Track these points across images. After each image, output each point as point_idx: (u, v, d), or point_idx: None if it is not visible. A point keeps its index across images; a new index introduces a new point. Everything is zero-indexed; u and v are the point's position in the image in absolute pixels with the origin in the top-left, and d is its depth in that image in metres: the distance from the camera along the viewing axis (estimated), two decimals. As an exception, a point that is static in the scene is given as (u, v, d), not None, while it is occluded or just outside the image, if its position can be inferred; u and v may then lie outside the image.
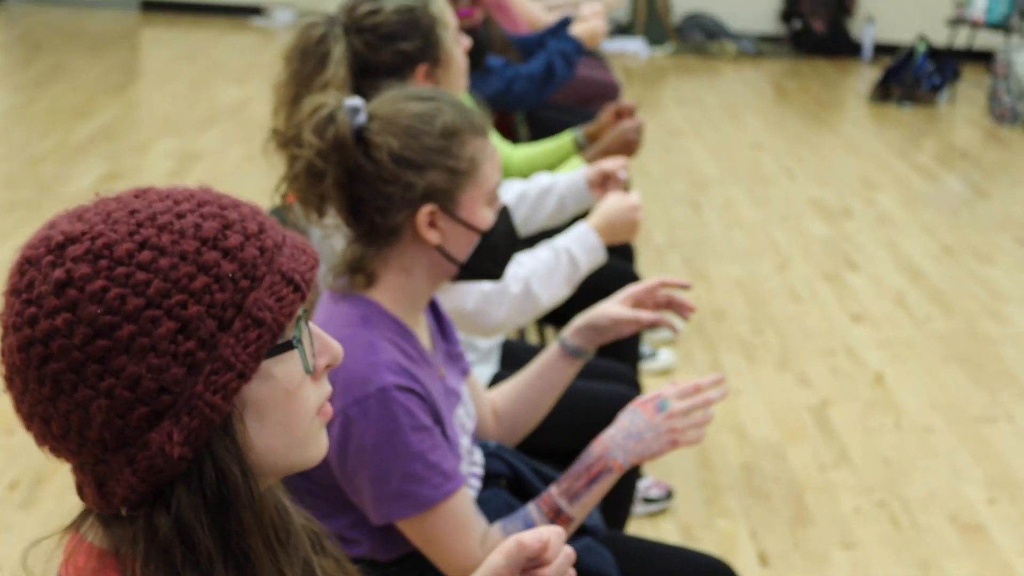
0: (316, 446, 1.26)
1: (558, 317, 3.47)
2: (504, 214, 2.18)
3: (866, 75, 10.16)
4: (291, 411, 1.21)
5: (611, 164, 3.14)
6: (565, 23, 4.66)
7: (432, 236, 2.09)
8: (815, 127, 8.46)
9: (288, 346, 1.20)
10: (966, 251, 6.09)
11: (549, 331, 4.11)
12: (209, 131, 7.35)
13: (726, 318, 5.14)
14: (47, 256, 1.15)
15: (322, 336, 1.26)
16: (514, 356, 3.11)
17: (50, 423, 1.15)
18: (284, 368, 1.20)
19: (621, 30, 10.66)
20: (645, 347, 4.47)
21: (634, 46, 10.44)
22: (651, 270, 5.34)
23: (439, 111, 2.08)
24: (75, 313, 1.12)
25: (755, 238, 6.13)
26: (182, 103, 8.03)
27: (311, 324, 1.26)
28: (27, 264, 1.16)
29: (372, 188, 2.06)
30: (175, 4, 10.95)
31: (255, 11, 10.86)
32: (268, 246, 1.20)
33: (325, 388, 1.26)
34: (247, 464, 1.19)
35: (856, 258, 5.90)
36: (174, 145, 7.05)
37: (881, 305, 5.35)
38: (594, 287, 3.12)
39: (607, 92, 5.70)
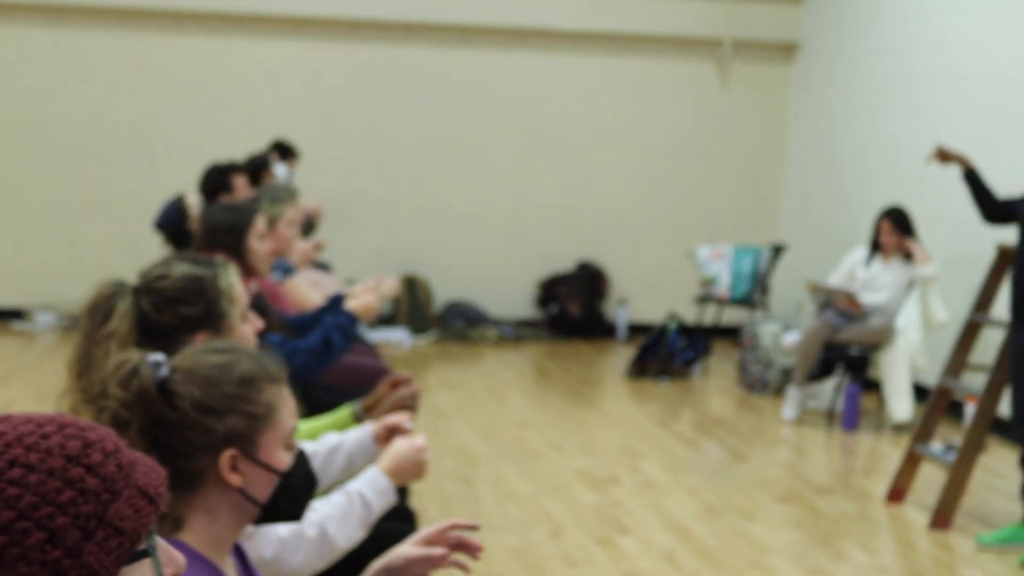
0: None
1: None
2: (301, 457, 2.30)
3: (622, 353, 10.63)
4: None
5: (396, 418, 3.29)
6: (339, 299, 4.85)
7: (234, 479, 2.19)
8: (578, 403, 8.78)
9: (144, 554, 1.30)
10: (729, 510, 6.36)
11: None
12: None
13: (505, 585, 5.22)
14: None
15: (167, 548, 1.36)
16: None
17: None
18: (139, 574, 1.30)
19: (385, 320, 10.94)
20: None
21: (398, 335, 10.71)
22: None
23: (237, 361, 2.23)
24: None
25: (527, 509, 6.27)
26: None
27: (155, 536, 1.35)
28: None
29: (176, 435, 2.17)
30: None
31: (17, 315, 10.77)
32: (125, 463, 1.31)
33: None
34: None
35: (626, 521, 6.09)
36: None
37: (653, 564, 5.52)
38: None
39: (378, 377, 5.86)
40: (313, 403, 5.08)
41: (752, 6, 11.47)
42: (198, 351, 2.27)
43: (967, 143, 8.56)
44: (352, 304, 4.66)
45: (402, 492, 4.28)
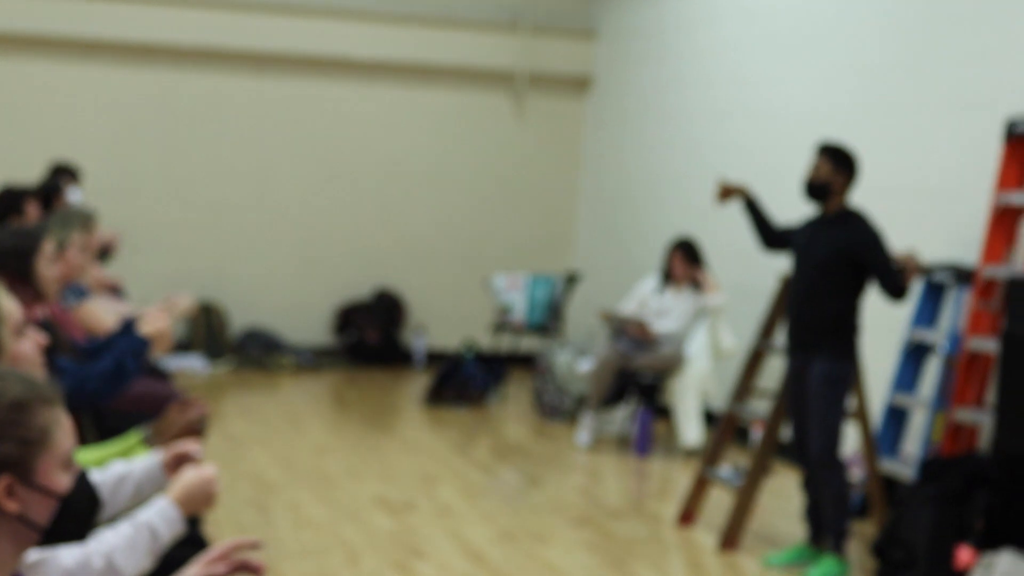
0: None
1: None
2: (82, 478, 2.26)
3: (420, 381, 10.66)
4: None
5: (185, 446, 3.26)
6: (131, 323, 4.76)
7: (11, 506, 2.14)
8: (375, 431, 8.77)
9: None
10: (524, 534, 6.43)
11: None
12: None
13: (301, 612, 5.19)
14: None
15: None
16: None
17: None
18: None
19: (180, 347, 10.76)
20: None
21: (193, 362, 10.54)
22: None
23: (6, 387, 2.18)
24: None
25: (324, 535, 6.24)
26: None
27: None
28: None
29: None
30: None
31: None
32: None
33: None
34: None
35: (423, 547, 6.11)
36: None
37: (450, 588, 5.55)
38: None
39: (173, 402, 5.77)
40: (106, 429, 4.97)
41: (546, 41, 11.66)
42: None
43: (752, 176, 8.86)
44: (145, 328, 4.58)
45: (195, 521, 4.22)
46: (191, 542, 3.68)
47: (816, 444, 5.88)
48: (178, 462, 3.26)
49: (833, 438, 5.88)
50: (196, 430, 3.61)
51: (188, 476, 2.98)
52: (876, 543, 5.89)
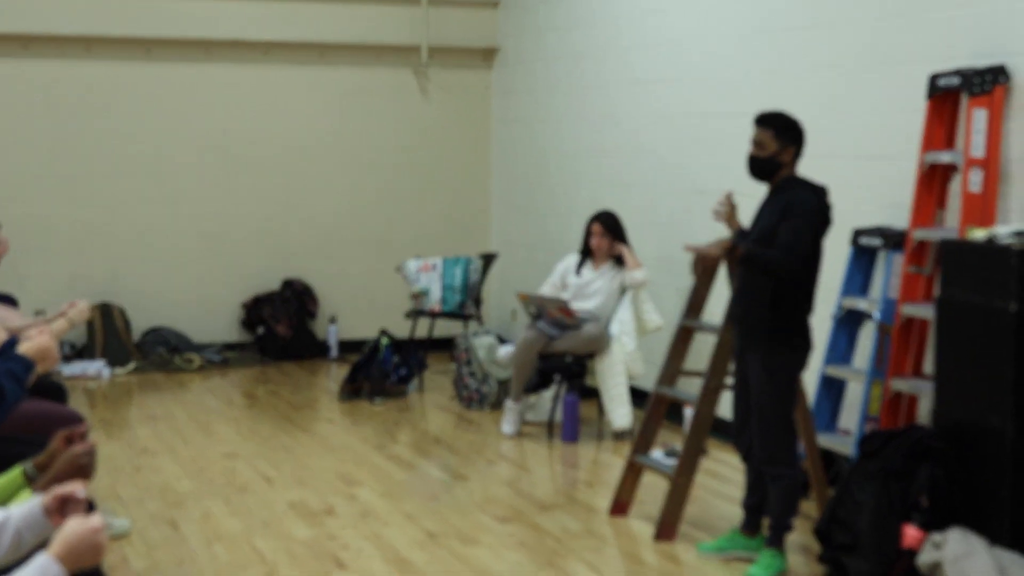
0: None
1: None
2: None
3: (335, 373, 10.29)
4: None
5: (68, 487, 2.89)
6: (11, 343, 4.35)
7: None
8: (289, 429, 8.37)
9: None
10: (450, 535, 6.10)
11: None
12: None
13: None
14: None
15: None
16: None
17: None
18: None
19: (80, 352, 10.29)
20: None
21: (95, 367, 10.07)
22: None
23: None
24: None
25: (238, 550, 5.86)
26: None
27: None
28: None
29: None
30: None
31: None
32: None
33: None
34: None
35: (343, 556, 5.76)
36: None
37: (374, 602, 5.21)
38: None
39: (67, 423, 5.37)
40: (6, 455, 4.57)
41: (448, 11, 11.30)
42: None
43: (672, 144, 8.60)
44: (25, 347, 4.18)
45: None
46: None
47: (759, 441, 5.55)
48: (61, 505, 2.90)
49: (778, 434, 5.51)
50: (83, 466, 3.24)
51: (71, 529, 2.66)
52: (818, 525, 5.63)
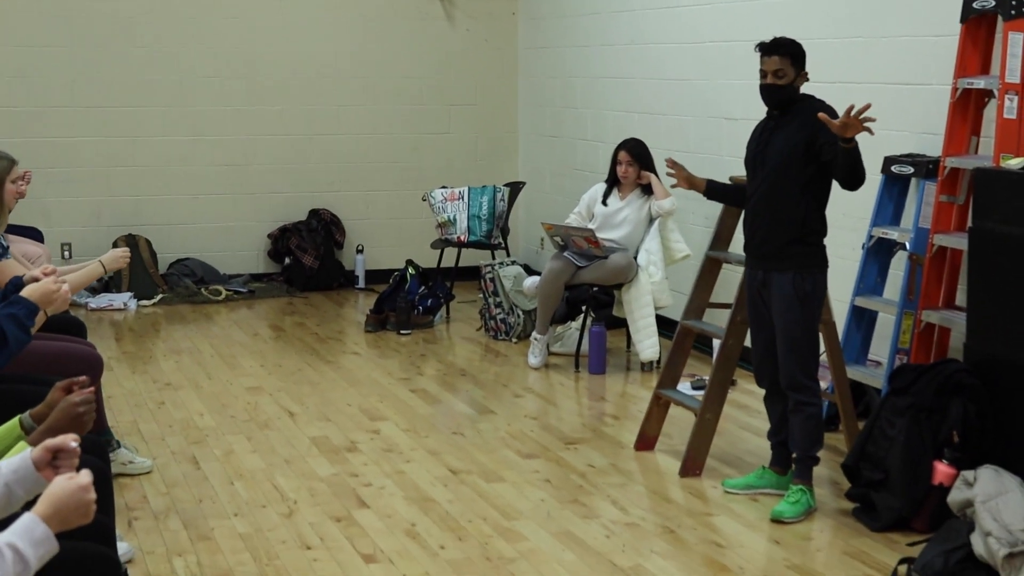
0: None
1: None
2: None
3: (362, 304, 10.21)
4: None
5: (59, 440, 2.80)
6: (17, 287, 4.28)
7: None
8: (314, 363, 8.30)
9: None
10: (473, 472, 6.03)
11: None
12: None
13: (231, 581, 4.78)
14: None
15: None
16: None
17: None
18: None
19: (107, 285, 10.24)
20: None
21: (121, 299, 10.02)
22: (148, 542, 4.97)
23: None
24: None
25: (259, 487, 5.80)
26: None
27: None
28: None
29: None
30: None
31: None
32: None
33: None
34: None
35: (365, 494, 5.70)
36: None
37: (393, 541, 5.14)
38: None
39: (88, 362, 5.32)
40: (18, 396, 4.50)
41: (476, -65, 11.09)
42: None
43: (692, 72, 8.42)
44: (28, 290, 4.10)
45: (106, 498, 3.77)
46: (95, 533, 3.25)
47: (787, 367, 5.42)
48: (52, 457, 2.80)
49: (806, 359, 5.40)
50: (78, 416, 3.15)
51: (59, 486, 2.55)
52: (847, 461, 5.53)
